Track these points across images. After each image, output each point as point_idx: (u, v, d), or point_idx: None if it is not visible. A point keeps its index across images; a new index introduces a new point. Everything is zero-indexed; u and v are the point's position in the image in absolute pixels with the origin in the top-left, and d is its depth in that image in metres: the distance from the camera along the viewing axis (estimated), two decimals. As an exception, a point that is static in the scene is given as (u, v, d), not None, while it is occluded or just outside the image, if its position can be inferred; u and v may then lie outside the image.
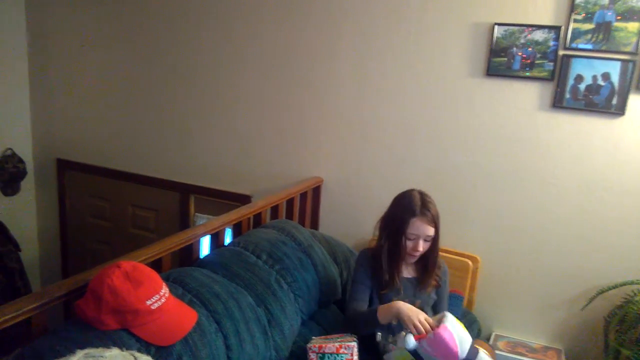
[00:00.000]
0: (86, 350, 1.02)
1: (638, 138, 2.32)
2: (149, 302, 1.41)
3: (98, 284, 1.39)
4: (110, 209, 3.66)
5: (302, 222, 2.89)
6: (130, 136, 3.50)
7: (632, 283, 2.33)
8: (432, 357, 1.62)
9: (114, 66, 3.45)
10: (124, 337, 1.39)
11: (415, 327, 1.64)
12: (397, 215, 1.88)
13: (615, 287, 2.35)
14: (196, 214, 3.36)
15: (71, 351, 1.02)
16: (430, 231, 1.84)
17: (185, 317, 1.50)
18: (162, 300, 1.44)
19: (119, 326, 1.39)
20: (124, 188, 3.57)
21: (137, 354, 1.06)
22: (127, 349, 1.37)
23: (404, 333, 1.68)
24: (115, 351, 1.03)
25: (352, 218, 2.94)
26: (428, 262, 1.94)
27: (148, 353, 1.40)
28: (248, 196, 3.17)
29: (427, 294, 1.97)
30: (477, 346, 1.68)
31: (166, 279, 1.66)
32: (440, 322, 1.65)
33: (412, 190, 1.93)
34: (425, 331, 1.63)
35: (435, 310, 2.00)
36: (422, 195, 1.90)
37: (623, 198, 2.39)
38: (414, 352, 1.65)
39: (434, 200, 1.90)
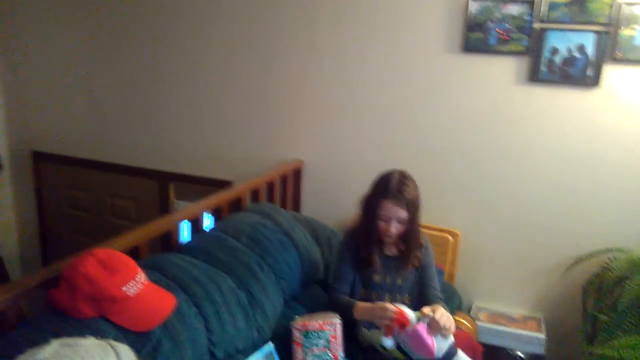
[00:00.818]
0: (62, 340, 1.00)
1: (612, 109, 2.35)
2: (125, 289, 1.39)
3: (72, 272, 1.37)
4: (88, 199, 3.62)
5: (283, 205, 2.88)
6: (106, 126, 3.44)
7: (608, 251, 2.37)
8: (410, 349, 1.65)
9: (88, 56, 3.37)
10: (101, 325, 1.37)
11: (386, 326, 1.64)
12: (372, 195, 1.87)
13: (592, 255, 2.40)
14: (176, 201, 3.33)
15: (46, 341, 1.01)
16: (402, 214, 1.81)
17: (164, 302, 1.49)
18: (139, 286, 1.43)
19: (95, 314, 1.38)
20: (101, 178, 3.52)
21: (114, 343, 1.05)
22: (104, 336, 1.35)
23: (381, 335, 1.68)
24: (91, 340, 1.01)
25: (334, 199, 2.94)
26: (407, 243, 1.93)
27: (126, 339, 1.39)
28: (229, 181, 3.14)
29: (410, 272, 1.97)
30: (457, 347, 1.68)
31: (143, 266, 1.63)
32: (424, 318, 1.64)
33: (393, 171, 1.89)
34: (402, 321, 1.62)
35: (421, 286, 1.99)
36: (402, 176, 1.85)
37: (598, 169, 2.42)
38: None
39: (414, 183, 1.86)
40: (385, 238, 1.90)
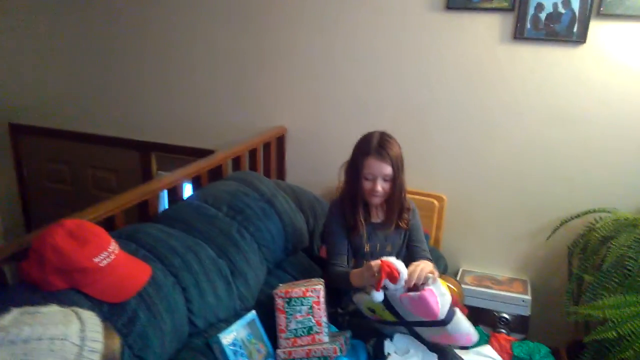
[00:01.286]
0: (22, 309, 0.97)
1: (599, 66, 2.30)
2: (96, 260, 1.35)
3: (40, 244, 1.33)
4: (69, 172, 3.55)
5: (267, 173, 2.84)
6: (84, 95, 3.35)
7: (594, 211, 2.36)
8: (408, 312, 1.62)
9: (64, 25, 3.25)
10: (73, 297, 1.33)
11: (376, 281, 1.59)
12: (355, 156, 1.84)
13: (578, 216, 2.38)
14: (159, 172, 3.27)
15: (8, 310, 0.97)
16: (387, 169, 1.78)
17: (138, 272, 1.46)
18: (112, 257, 1.39)
19: (67, 286, 1.34)
20: (81, 150, 3.45)
21: (78, 310, 1.01)
22: (78, 307, 1.33)
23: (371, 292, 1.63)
24: (53, 307, 0.98)
25: (318, 166, 2.89)
26: (391, 204, 1.90)
27: (100, 311, 1.36)
28: (212, 151, 3.07)
29: (398, 237, 1.94)
30: (454, 307, 1.64)
31: (118, 237, 1.60)
32: (426, 283, 1.60)
33: (373, 131, 1.87)
34: (391, 272, 1.58)
35: (409, 248, 1.97)
36: (382, 135, 1.83)
37: (584, 127, 2.39)
38: (387, 302, 1.64)
39: (396, 141, 1.84)
40: (371, 199, 1.85)
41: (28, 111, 3.52)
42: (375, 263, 1.60)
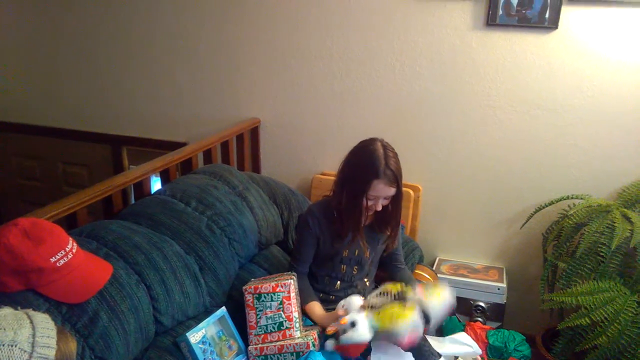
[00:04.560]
0: None
1: (571, 52, 2.29)
2: (53, 260, 1.30)
3: (-7, 245, 1.27)
4: (39, 168, 3.46)
5: (241, 166, 2.79)
6: (53, 89, 3.26)
7: (567, 198, 2.36)
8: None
9: (32, 18, 3.15)
10: (30, 298, 1.29)
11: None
12: (359, 173, 1.68)
13: (551, 203, 2.38)
14: (130, 166, 3.20)
15: None
16: (392, 191, 1.69)
17: (98, 271, 1.41)
18: (69, 256, 1.33)
19: (23, 287, 1.29)
20: (52, 145, 3.36)
21: (33, 313, 0.98)
22: (33, 309, 1.28)
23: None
24: (5, 310, 0.95)
25: (293, 158, 2.86)
26: (390, 221, 1.82)
27: (59, 312, 1.32)
28: (184, 144, 3.01)
29: (376, 242, 1.89)
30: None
31: (79, 234, 1.55)
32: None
33: (375, 141, 1.71)
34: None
35: (389, 267, 1.98)
36: (386, 149, 1.68)
37: (557, 115, 2.38)
38: None
39: (394, 150, 1.72)
40: (367, 214, 1.76)
41: (-5, 106, 3.41)
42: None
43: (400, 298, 1.78)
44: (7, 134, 3.44)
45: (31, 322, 0.93)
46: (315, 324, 1.80)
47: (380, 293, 1.86)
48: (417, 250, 2.40)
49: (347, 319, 1.59)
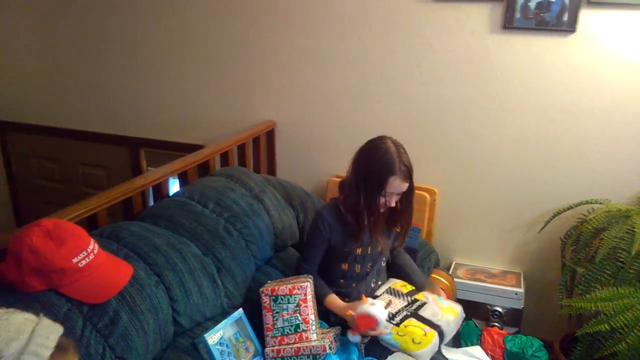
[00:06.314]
0: None
1: (589, 55, 2.26)
2: (75, 260, 1.32)
3: (17, 244, 1.30)
4: (59, 169, 3.51)
5: (257, 168, 2.80)
6: (73, 92, 3.30)
7: (587, 203, 2.34)
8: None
9: (52, 21, 3.20)
10: (52, 298, 1.31)
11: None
12: (375, 172, 1.69)
13: (570, 208, 2.36)
14: (148, 168, 3.24)
15: None
16: (406, 187, 1.71)
17: (119, 272, 1.43)
18: (91, 257, 1.36)
19: (45, 287, 1.32)
20: (71, 147, 3.41)
21: (44, 323, 0.92)
22: (56, 309, 1.30)
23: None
24: (19, 316, 0.91)
25: (309, 161, 2.87)
26: (402, 217, 1.83)
27: (80, 312, 1.34)
28: (201, 146, 3.04)
29: (387, 238, 1.90)
30: None
31: (99, 235, 1.58)
32: None
33: (384, 139, 1.72)
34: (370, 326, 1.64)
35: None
36: (397, 146, 1.70)
37: (576, 118, 2.35)
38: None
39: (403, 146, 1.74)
40: (380, 211, 1.77)
41: (16, 108, 3.47)
42: (352, 316, 1.65)
43: (412, 302, 1.82)
44: (28, 135, 3.50)
45: (31, 333, 0.89)
46: (332, 326, 1.81)
47: (389, 289, 1.89)
48: (434, 254, 2.39)
49: (368, 299, 1.66)
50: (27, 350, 0.86)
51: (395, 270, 2.04)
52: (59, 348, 0.90)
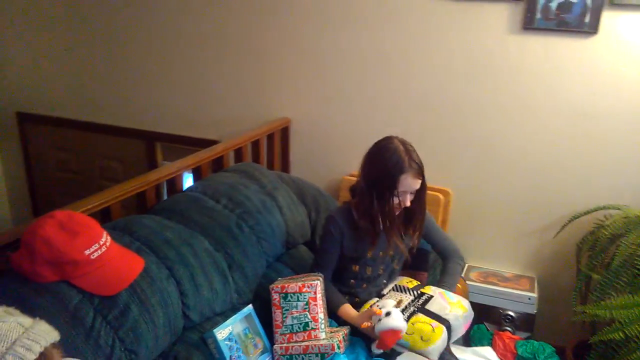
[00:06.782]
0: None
1: (612, 58, 2.22)
2: (87, 252, 1.34)
3: (30, 235, 1.32)
4: (76, 161, 3.55)
5: (271, 165, 2.81)
6: (91, 85, 3.34)
7: (603, 208, 2.30)
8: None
9: (71, 15, 3.23)
10: (63, 289, 1.33)
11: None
12: (386, 172, 1.67)
13: (587, 212, 2.32)
14: (163, 162, 3.26)
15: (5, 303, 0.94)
16: (418, 184, 1.70)
17: (131, 265, 1.44)
18: (103, 249, 1.37)
19: (57, 278, 1.33)
20: (88, 139, 3.44)
21: (31, 329, 0.90)
22: (68, 300, 1.32)
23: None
24: (10, 319, 0.89)
25: (323, 159, 2.86)
26: (415, 217, 1.80)
27: (91, 304, 1.35)
28: (216, 141, 3.05)
29: (406, 241, 1.89)
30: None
31: (112, 228, 1.59)
32: None
33: (391, 139, 1.71)
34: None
35: (437, 247, 1.98)
36: (405, 144, 1.69)
37: (595, 121, 2.31)
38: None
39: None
40: (394, 212, 1.75)
41: (36, 100, 3.52)
42: (369, 328, 1.65)
43: (418, 297, 1.79)
44: (47, 127, 3.54)
45: (13, 342, 0.86)
46: (341, 325, 1.80)
47: (395, 287, 1.88)
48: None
49: (382, 311, 1.63)
50: (10, 351, 0.84)
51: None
52: (42, 357, 0.88)
